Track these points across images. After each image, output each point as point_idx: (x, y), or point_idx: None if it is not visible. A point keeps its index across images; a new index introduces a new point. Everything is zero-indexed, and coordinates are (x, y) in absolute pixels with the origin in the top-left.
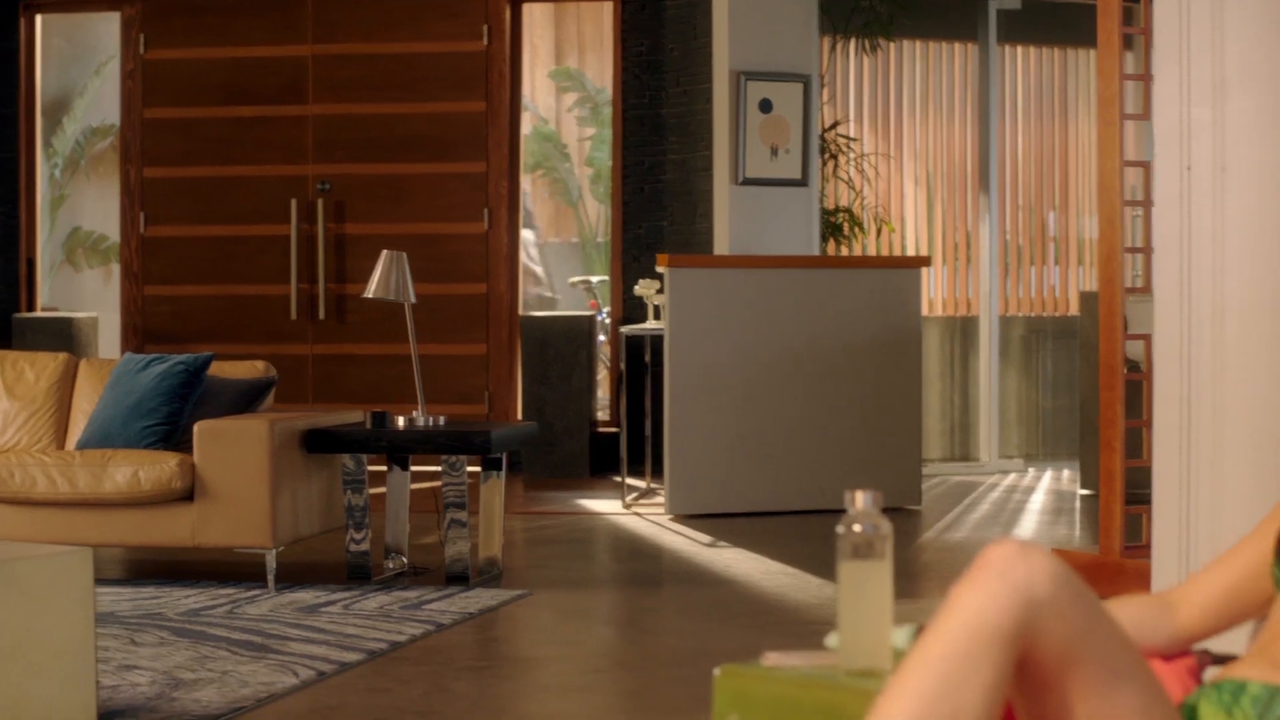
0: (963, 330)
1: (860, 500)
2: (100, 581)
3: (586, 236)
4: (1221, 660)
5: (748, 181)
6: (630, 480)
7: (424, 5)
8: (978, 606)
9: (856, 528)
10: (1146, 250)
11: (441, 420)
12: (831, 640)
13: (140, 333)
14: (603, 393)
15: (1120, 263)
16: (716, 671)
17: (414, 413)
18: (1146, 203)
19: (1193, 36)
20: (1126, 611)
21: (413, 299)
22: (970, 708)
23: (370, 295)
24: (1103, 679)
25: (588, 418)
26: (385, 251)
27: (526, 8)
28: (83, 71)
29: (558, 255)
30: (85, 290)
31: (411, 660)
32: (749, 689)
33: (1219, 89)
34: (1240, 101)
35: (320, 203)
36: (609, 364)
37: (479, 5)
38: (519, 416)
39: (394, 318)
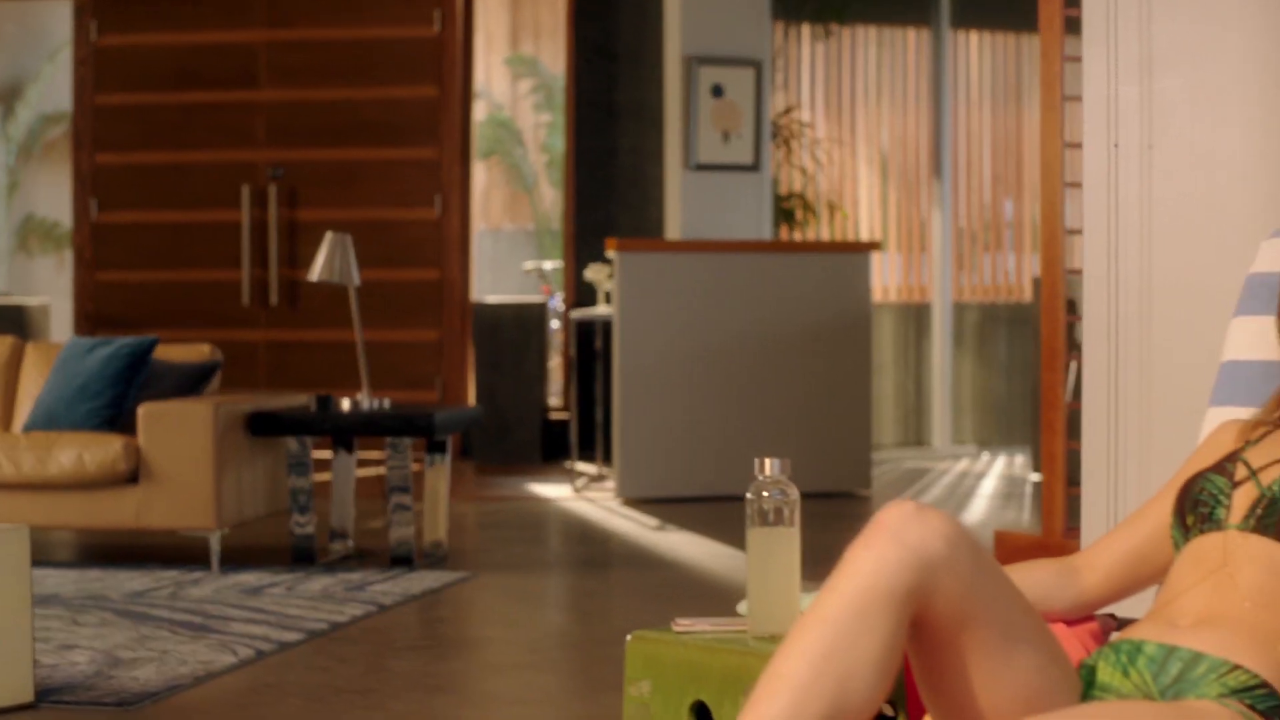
0: (917, 317)
1: (769, 467)
2: (46, 564)
3: (541, 223)
4: (1125, 625)
5: (700, 167)
6: (582, 466)
7: None
8: (872, 567)
9: (765, 495)
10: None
11: (386, 403)
12: (743, 607)
13: (92, 319)
14: (557, 379)
15: (1062, 244)
16: (629, 638)
17: (359, 395)
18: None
19: (1120, 15)
20: (1030, 576)
21: (357, 281)
22: (863, 666)
23: (315, 278)
24: (998, 639)
25: (540, 404)
26: (329, 234)
27: None
28: (36, 58)
29: (512, 242)
30: (39, 277)
31: (352, 640)
32: (659, 654)
33: (1145, 67)
34: (1167, 80)
35: (273, 188)
36: (562, 350)
37: None
38: (471, 403)
39: (346, 304)
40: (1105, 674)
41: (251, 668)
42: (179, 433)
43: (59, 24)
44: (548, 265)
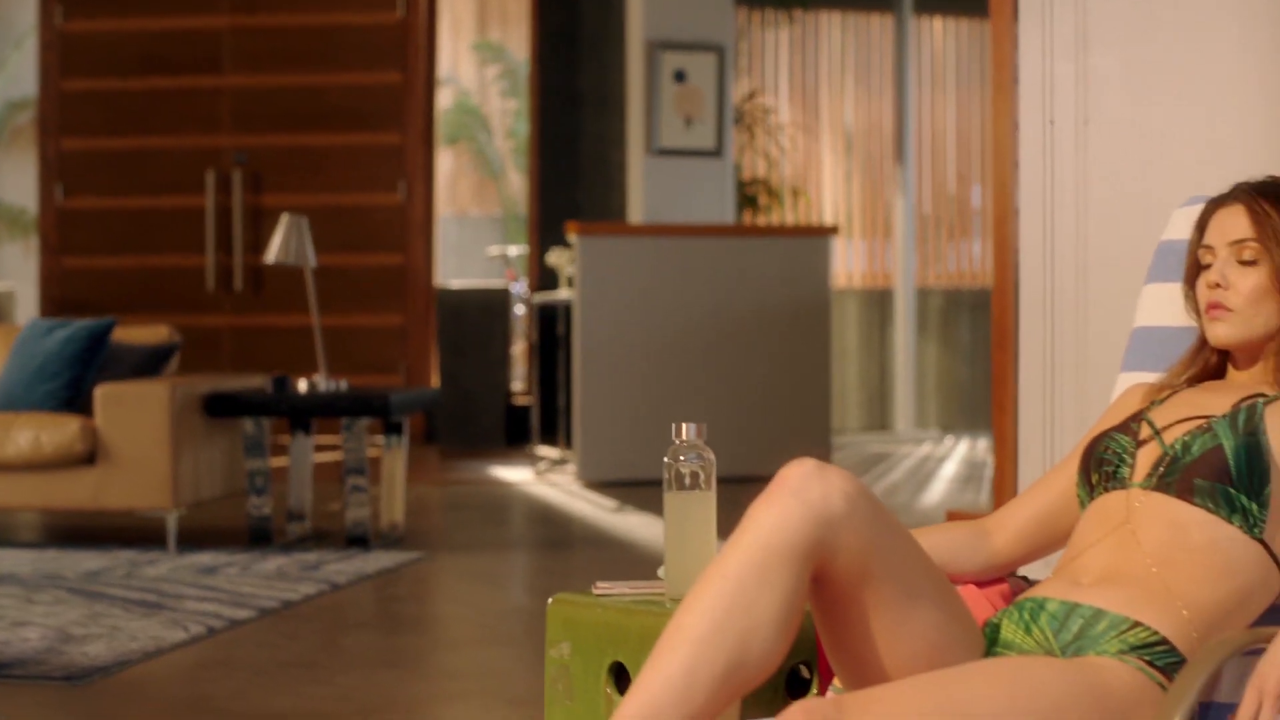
0: (881, 302)
1: (685, 432)
2: (4, 545)
3: (509, 209)
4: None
5: (662, 152)
6: (545, 450)
7: None
8: (772, 524)
9: (681, 458)
10: None
11: (344, 385)
12: (663, 570)
13: (58, 304)
14: (522, 365)
15: (1013, 224)
16: (550, 601)
17: (315, 377)
18: None
19: None
20: (942, 538)
21: (313, 263)
22: (764, 621)
23: (271, 260)
24: (898, 596)
25: (503, 389)
26: (285, 215)
27: None
28: (1, 45)
29: (480, 228)
30: (5, 264)
31: (303, 617)
32: (578, 616)
33: (1081, 44)
34: (1101, 56)
35: (237, 174)
36: (527, 336)
37: None
38: (433, 387)
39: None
40: (1008, 631)
41: (202, 644)
42: (136, 414)
43: (24, 10)
44: (513, 251)
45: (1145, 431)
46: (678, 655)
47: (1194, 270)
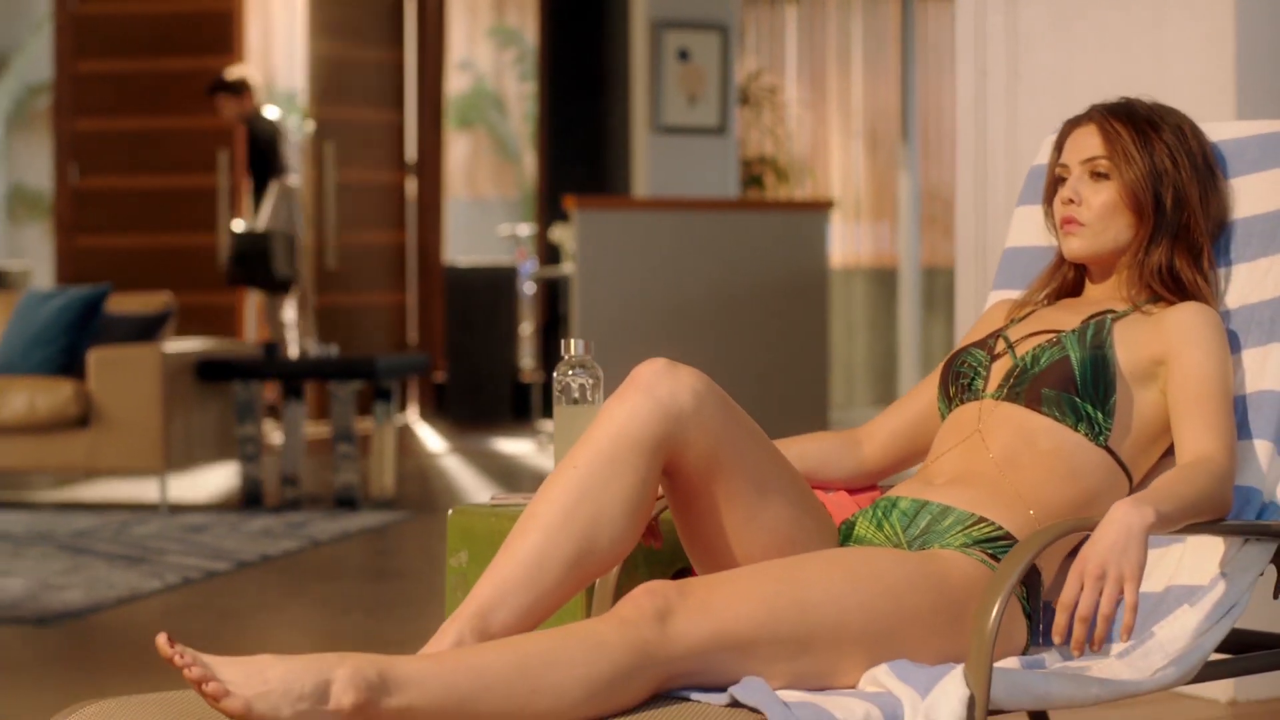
0: (888, 281)
1: (573, 348)
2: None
3: (526, 191)
4: None
5: (666, 129)
6: (549, 424)
7: None
8: (623, 418)
9: (570, 374)
10: None
11: (334, 351)
12: None
13: (72, 283)
14: (532, 341)
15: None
16: (450, 512)
17: (306, 342)
18: None
19: None
20: (813, 445)
21: (300, 231)
22: (612, 510)
23: (261, 228)
24: (748, 490)
25: (511, 365)
26: (274, 184)
27: None
28: (20, 29)
29: (497, 211)
30: (26, 245)
31: (279, 570)
32: (475, 525)
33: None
34: (1031, 9)
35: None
36: (534, 312)
37: None
38: (442, 364)
39: (321, 266)
40: (861, 528)
41: (176, 591)
42: (128, 377)
43: None
44: (523, 230)
45: (1000, 346)
46: (529, 540)
47: (1052, 189)
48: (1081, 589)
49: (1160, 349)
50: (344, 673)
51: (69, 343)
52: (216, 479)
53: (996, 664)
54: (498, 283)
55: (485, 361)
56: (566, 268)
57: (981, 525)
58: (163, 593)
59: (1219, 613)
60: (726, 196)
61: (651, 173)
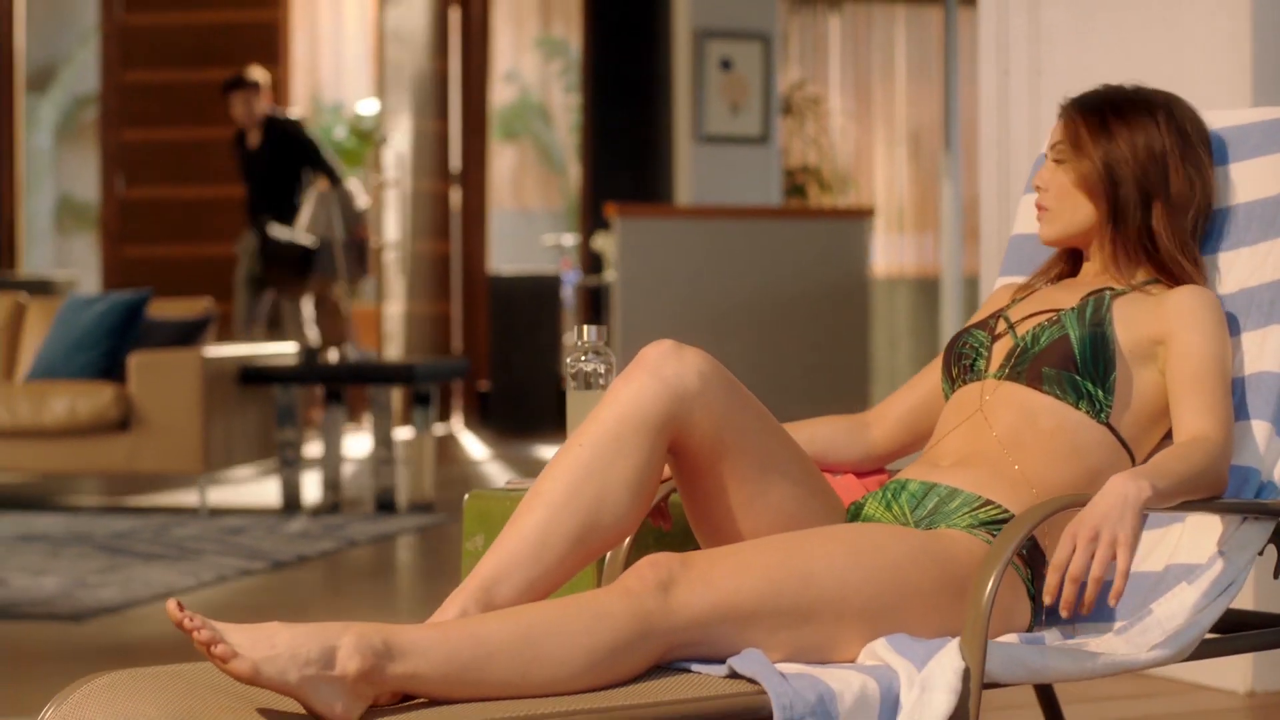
0: (932, 290)
1: (586, 334)
2: (40, 508)
3: (571, 203)
4: None
5: (708, 138)
6: None
7: None
8: (628, 398)
9: (583, 359)
10: None
11: (372, 356)
12: None
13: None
14: None
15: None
16: (466, 497)
17: (345, 348)
18: None
19: None
20: (822, 428)
21: (342, 236)
22: (617, 487)
23: (303, 232)
24: (754, 469)
25: (554, 373)
26: (314, 190)
27: None
28: (68, 41)
29: (542, 222)
30: (74, 255)
31: (314, 569)
32: (491, 509)
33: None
34: (1053, 10)
35: None
36: (576, 320)
37: None
38: (486, 373)
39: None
40: (870, 509)
41: (210, 588)
42: (168, 380)
43: (90, 7)
44: (567, 240)
45: (1001, 326)
46: (534, 516)
47: None
48: (1074, 551)
49: (1160, 330)
50: (350, 640)
51: (110, 347)
52: (256, 484)
53: (996, 640)
54: (541, 291)
55: (528, 370)
56: (609, 276)
57: (988, 508)
58: (197, 589)
59: (1216, 590)
60: (767, 204)
61: (694, 182)
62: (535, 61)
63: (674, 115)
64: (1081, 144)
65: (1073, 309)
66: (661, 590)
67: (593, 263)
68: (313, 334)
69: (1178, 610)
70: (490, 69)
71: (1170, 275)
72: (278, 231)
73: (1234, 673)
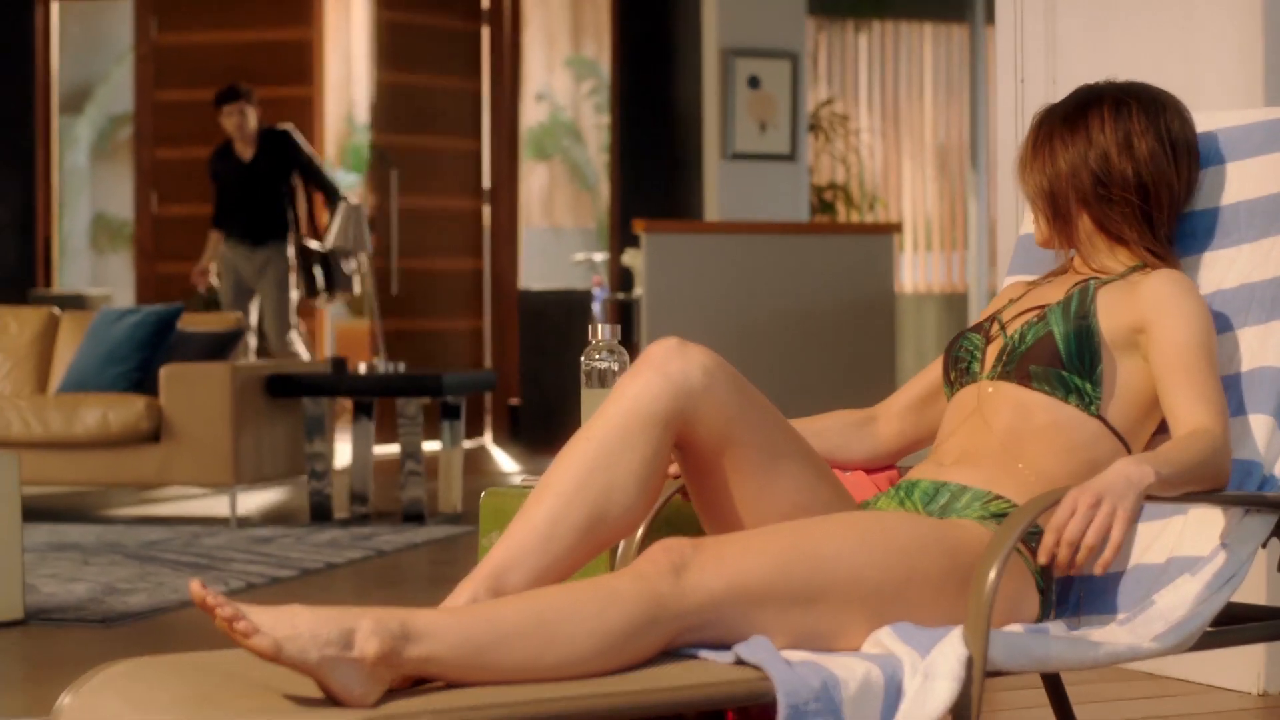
0: (960, 307)
1: (600, 333)
2: (72, 519)
3: (602, 221)
4: None
5: (736, 156)
6: None
7: None
8: (635, 394)
9: (597, 358)
10: None
11: (401, 367)
12: None
13: None
14: None
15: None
16: (483, 494)
17: (375, 360)
18: None
19: None
20: (830, 422)
21: (369, 249)
22: (624, 480)
23: (329, 246)
24: (761, 461)
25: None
26: (342, 203)
27: None
28: (103, 61)
29: (573, 241)
30: (109, 274)
31: (343, 577)
32: (507, 506)
33: (1050, 8)
34: (1068, 19)
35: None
36: None
37: None
38: (516, 388)
39: (398, 289)
40: (883, 504)
41: (239, 596)
42: (198, 392)
43: (125, 26)
44: (598, 256)
45: (994, 328)
46: (543, 507)
47: None
48: (1073, 515)
49: (1137, 317)
50: (368, 623)
51: (142, 359)
52: (285, 494)
53: (1001, 629)
54: (571, 307)
55: (558, 385)
56: (638, 292)
57: (998, 501)
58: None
59: (1218, 582)
60: (793, 220)
61: (723, 200)
62: (566, 81)
63: (703, 133)
64: (1023, 166)
65: (1058, 304)
66: (674, 573)
67: (623, 279)
68: (300, 347)
69: (1180, 601)
70: (521, 89)
71: (1151, 257)
72: (313, 244)
73: (1247, 673)
